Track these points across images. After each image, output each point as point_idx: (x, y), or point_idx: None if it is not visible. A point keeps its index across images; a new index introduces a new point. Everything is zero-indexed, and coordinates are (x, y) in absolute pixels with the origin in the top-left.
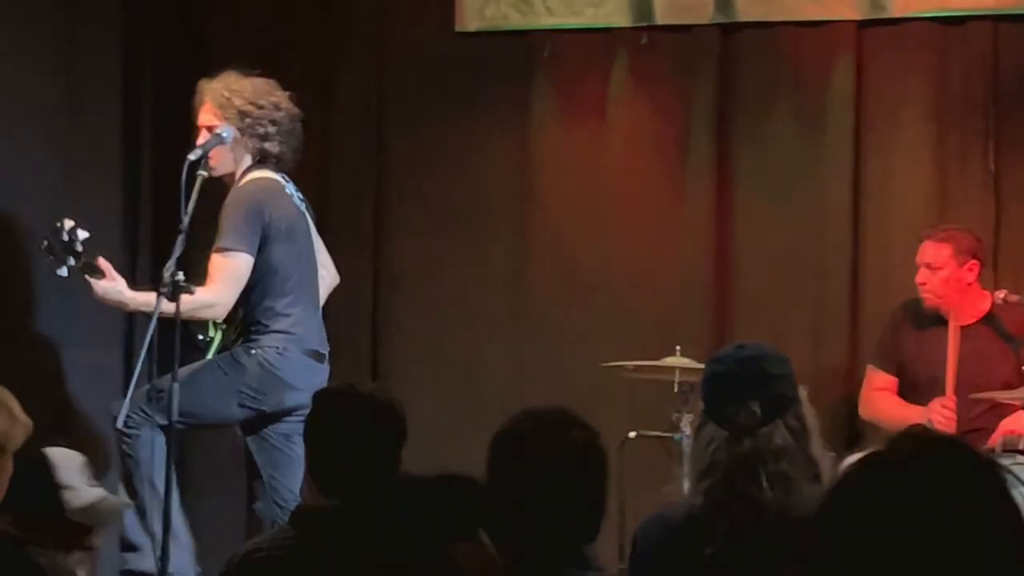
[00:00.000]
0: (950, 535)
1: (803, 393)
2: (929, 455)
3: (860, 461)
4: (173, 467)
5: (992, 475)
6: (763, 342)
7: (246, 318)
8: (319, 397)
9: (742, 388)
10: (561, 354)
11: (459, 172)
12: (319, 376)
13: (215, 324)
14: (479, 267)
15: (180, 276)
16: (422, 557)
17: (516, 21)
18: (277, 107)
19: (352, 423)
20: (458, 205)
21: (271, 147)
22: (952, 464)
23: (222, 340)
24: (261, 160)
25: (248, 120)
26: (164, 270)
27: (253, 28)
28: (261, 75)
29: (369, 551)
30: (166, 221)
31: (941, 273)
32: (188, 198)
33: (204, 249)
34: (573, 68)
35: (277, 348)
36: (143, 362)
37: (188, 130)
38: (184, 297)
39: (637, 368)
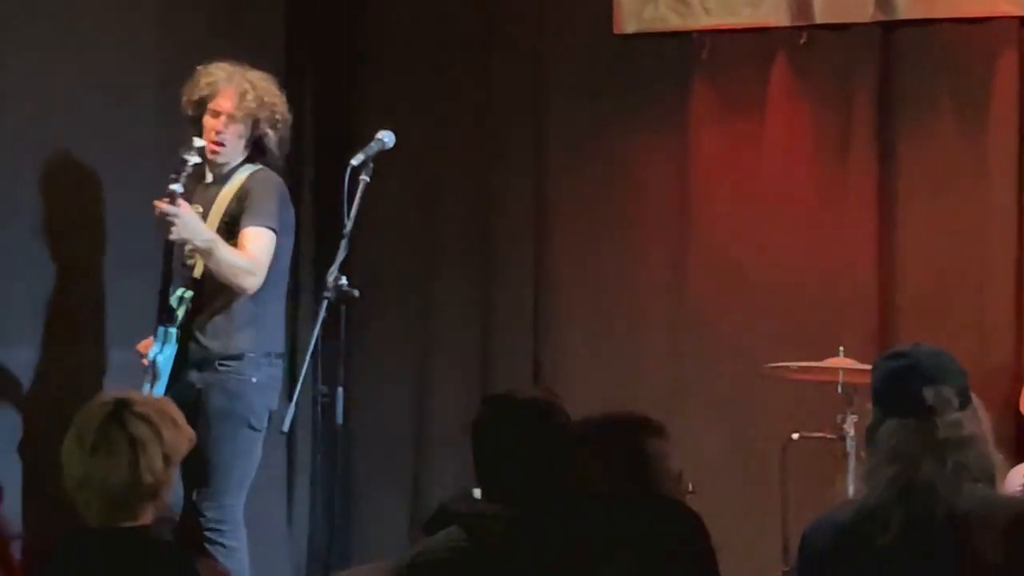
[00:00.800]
0: None
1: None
2: None
3: None
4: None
5: None
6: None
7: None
8: (485, 402)
9: (934, 375)
10: (721, 356)
11: (618, 173)
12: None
13: (183, 303)
14: (638, 268)
15: (344, 281)
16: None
17: (674, 22)
18: (281, 107)
19: (516, 427)
20: (617, 206)
21: (271, 145)
22: None
23: (182, 319)
24: (258, 155)
25: (263, 114)
26: (328, 275)
27: (410, 33)
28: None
29: (537, 556)
30: (327, 227)
31: None
32: (350, 203)
33: (364, 254)
34: (731, 69)
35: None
36: (307, 368)
37: (346, 137)
38: (230, 250)
39: (801, 369)
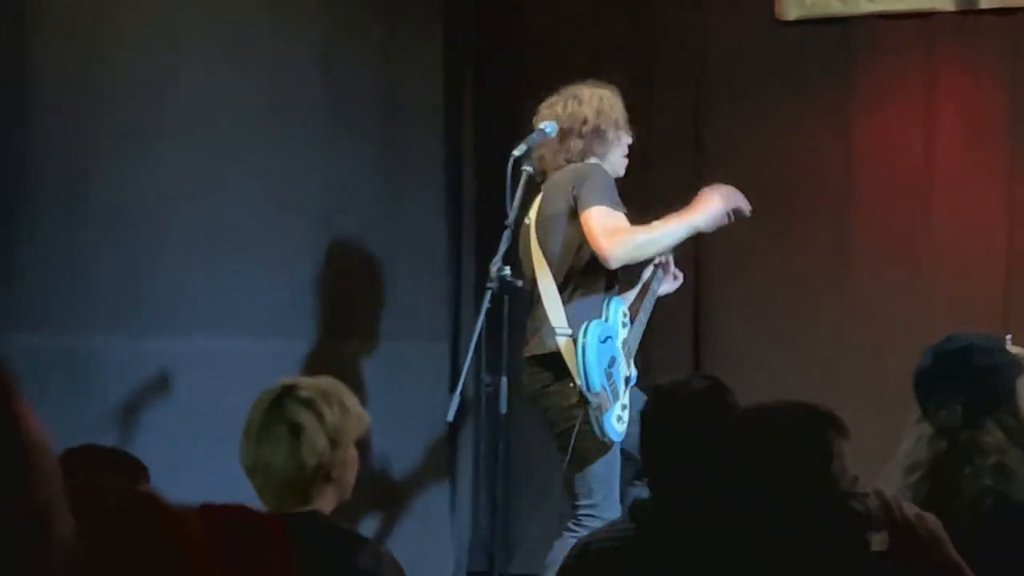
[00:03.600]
0: None
1: (1022, 385)
2: None
3: None
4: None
5: None
6: (977, 331)
7: None
8: (654, 393)
9: (944, 386)
10: (883, 342)
11: (781, 160)
12: None
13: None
14: (802, 255)
15: (507, 271)
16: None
17: (837, 8)
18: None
19: (685, 419)
20: (780, 193)
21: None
22: None
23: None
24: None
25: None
26: (491, 265)
27: (571, 21)
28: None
29: (701, 545)
30: (488, 218)
31: None
32: (513, 194)
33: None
34: (894, 54)
35: None
36: (471, 358)
37: (508, 126)
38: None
39: None
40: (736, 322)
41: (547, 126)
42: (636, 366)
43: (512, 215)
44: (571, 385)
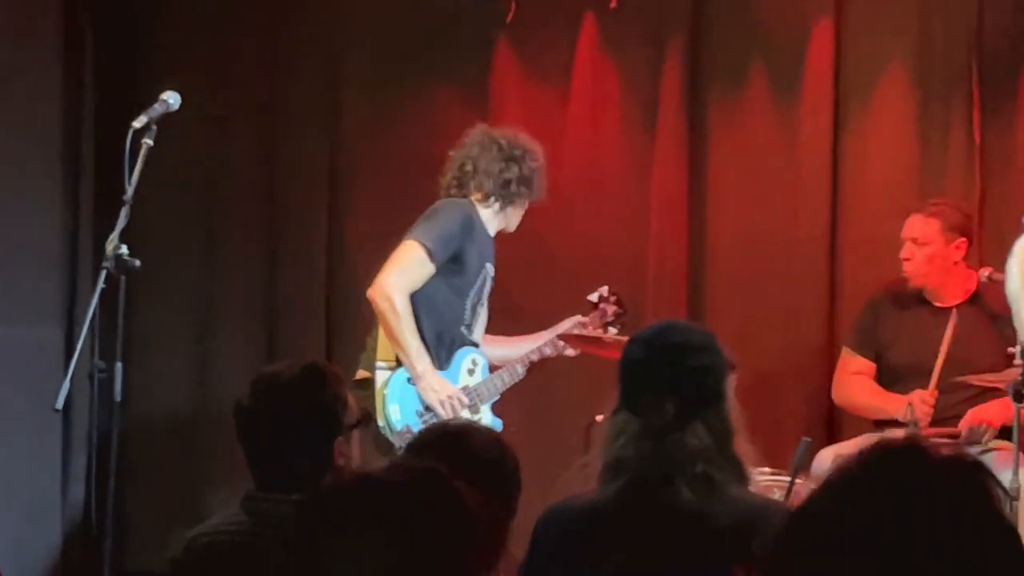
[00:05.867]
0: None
1: (731, 385)
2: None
3: (830, 482)
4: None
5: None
6: (691, 324)
7: None
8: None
9: (658, 382)
10: (522, 330)
11: (415, 138)
12: None
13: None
14: None
15: (124, 249)
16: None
17: None
18: None
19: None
20: (414, 172)
21: None
22: (933, 486)
23: None
24: None
25: None
26: (107, 244)
27: None
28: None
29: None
30: (109, 194)
31: (927, 249)
32: (132, 168)
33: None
34: (538, 33)
35: None
36: (83, 341)
37: (131, 100)
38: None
39: (602, 345)
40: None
41: (170, 96)
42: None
43: (130, 191)
44: None
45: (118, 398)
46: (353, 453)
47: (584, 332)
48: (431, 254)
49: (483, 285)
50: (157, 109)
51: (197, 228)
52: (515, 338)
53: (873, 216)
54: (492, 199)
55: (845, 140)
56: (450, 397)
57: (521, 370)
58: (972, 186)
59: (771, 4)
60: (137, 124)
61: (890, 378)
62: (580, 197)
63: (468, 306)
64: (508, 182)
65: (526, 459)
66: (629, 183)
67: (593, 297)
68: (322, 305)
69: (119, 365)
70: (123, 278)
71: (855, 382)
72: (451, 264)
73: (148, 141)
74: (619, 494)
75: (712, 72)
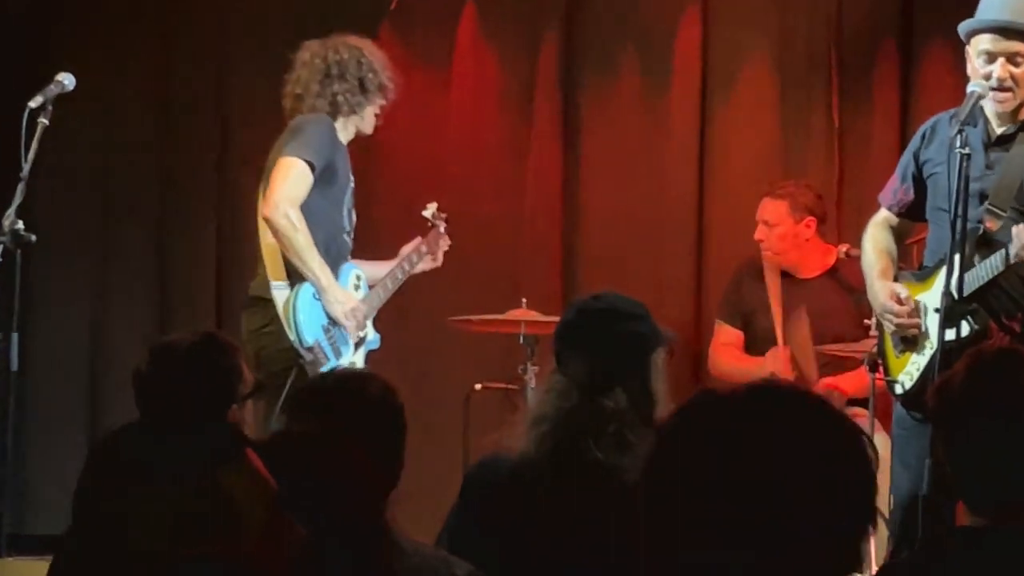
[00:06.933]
0: (793, 485)
1: (660, 357)
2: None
3: (687, 406)
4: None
5: (840, 428)
6: (627, 297)
7: None
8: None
9: (583, 344)
10: (406, 307)
11: None
12: None
13: None
14: None
15: (20, 225)
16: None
17: None
18: None
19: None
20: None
21: None
22: (799, 415)
23: None
24: None
25: None
26: (3, 219)
27: None
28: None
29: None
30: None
31: (778, 230)
32: (28, 146)
33: (41, 198)
34: (420, 20)
35: None
36: None
37: (24, 78)
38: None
39: (483, 321)
40: None
41: (65, 77)
42: (375, 329)
43: (27, 168)
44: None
45: (14, 367)
46: (247, 419)
47: (425, 247)
48: (311, 166)
49: (351, 194)
50: (52, 89)
51: (93, 200)
52: (370, 261)
53: (739, 196)
54: (333, 115)
55: (712, 124)
56: (353, 310)
57: (392, 285)
58: (832, 167)
59: None
60: (33, 104)
61: (755, 346)
62: (461, 177)
63: (345, 213)
64: (336, 97)
65: (409, 433)
66: (507, 163)
67: (427, 213)
68: (213, 280)
69: (15, 336)
70: (19, 252)
71: (725, 352)
72: (325, 174)
73: (44, 120)
74: (539, 447)
75: (586, 59)
